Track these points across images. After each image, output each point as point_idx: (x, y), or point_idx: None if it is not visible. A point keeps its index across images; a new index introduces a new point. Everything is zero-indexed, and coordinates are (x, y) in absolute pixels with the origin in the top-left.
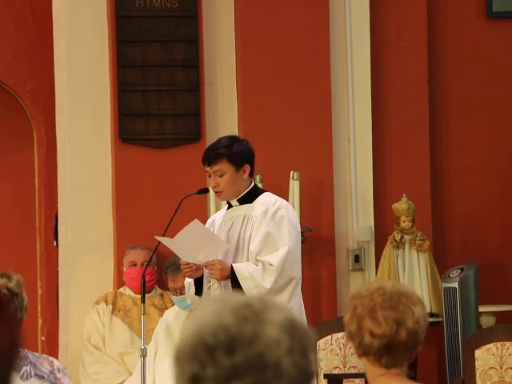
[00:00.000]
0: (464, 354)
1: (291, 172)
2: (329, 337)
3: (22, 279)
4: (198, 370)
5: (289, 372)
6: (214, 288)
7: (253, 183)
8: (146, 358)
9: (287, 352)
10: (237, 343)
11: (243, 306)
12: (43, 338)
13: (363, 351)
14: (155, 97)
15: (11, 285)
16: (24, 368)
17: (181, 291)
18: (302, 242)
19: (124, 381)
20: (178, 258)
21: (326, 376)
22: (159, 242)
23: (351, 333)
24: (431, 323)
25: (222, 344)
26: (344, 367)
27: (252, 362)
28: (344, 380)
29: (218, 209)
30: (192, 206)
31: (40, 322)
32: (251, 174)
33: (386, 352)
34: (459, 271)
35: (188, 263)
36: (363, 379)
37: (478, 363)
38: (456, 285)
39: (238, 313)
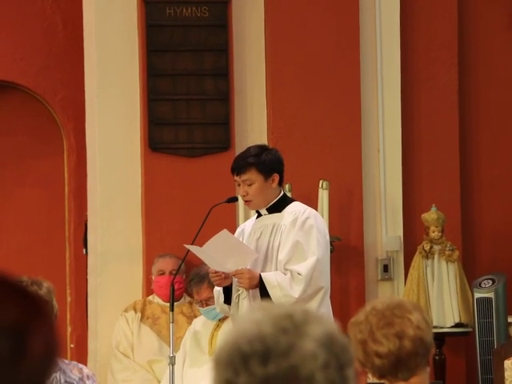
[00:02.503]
0: (494, 364)
1: (320, 181)
2: None
3: (52, 286)
4: (232, 377)
5: None
6: (243, 297)
7: (282, 192)
8: (175, 366)
9: (322, 367)
10: (271, 353)
11: (284, 317)
12: (72, 346)
13: (379, 374)
14: (185, 106)
15: (41, 292)
16: (54, 375)
17: (206, 302)
18: (331, 252)
19: None
20: (201, 269)
21: None
22: (188, 251)
23: (361, 361)
24: (460, 333)
25: (256, 353)
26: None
27: (284, 373)
28: None
29: (247, 218)
30: (221, 215)
31: (69, 329)
32: (280, 183)
33: (399, 367)
34: (490, 282)
35: (217, 272)
36: None
37: (507, 374)
38: (492, 295)
39: (278, 323)
